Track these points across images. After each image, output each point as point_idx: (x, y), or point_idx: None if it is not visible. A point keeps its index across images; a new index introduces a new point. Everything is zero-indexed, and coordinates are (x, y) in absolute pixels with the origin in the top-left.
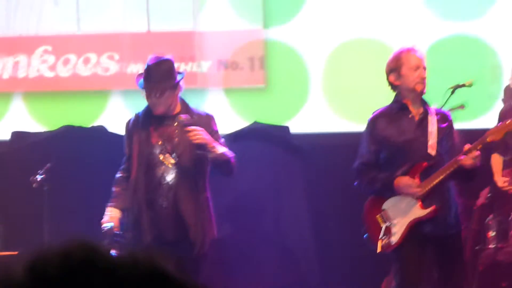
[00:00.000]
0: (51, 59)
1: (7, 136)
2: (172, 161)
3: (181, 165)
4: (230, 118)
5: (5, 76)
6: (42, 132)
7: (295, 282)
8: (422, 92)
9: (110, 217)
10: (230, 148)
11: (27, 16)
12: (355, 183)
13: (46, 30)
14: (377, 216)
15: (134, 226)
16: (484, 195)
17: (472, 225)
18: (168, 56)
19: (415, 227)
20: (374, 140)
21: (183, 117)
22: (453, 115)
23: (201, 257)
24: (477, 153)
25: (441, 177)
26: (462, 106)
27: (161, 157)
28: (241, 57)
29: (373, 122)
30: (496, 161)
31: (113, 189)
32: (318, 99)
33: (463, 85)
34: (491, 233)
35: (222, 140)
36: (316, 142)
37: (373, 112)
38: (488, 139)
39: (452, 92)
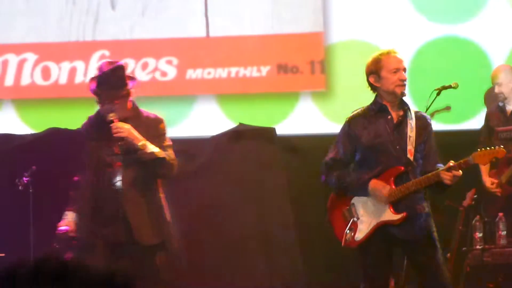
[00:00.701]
0: None
1: None
2: (120, 163)
3: (128, 166)
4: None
5: (62, 81)
6: (27, 134)
7: (280, 282)
8: (402, 94)
9: (67, 221)
10: (216, 149)
11: (83, 21)
12: (322, 178)
13: (103, 35)
14: (345, 209)
15: (86, 229)
16: (470, 196)
17: (458, 226)
18: (121, 61)
19: (381, 228)
20: (349, 140)
21: (110, 114)
22: (440, 117)
23: (157, 258)
24: (459, 173)
25: (418, 187)
26: (448, 108)
27: (109, 159)
28: (301, 61)
29: (350, 122)
30: None
31: (70, 193)
32: None
33: (449, 87)
34: (478, 234)
35: (169, 143)
36: (303, 143)
37: (352, 112)
38: (474, 161)
39: (438, 94)
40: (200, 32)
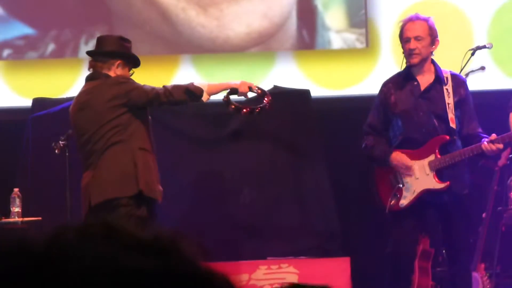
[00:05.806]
0: None
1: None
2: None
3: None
4: None
5: None
6: (63, 98)
7: (314, 245)
8: (412, 64)
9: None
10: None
11: None
12: (363, 145)
13: None
14: (391, 175)
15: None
16: (505, 156)
17: (493, 186)
18: None
19: (424, 195)
20: (381, 106)
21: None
22: (474, 78)
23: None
24: (500, 146)
25: (462, 157)
26: (482, 68)
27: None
28: None
29: (382, 89)
30: None
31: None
32: None
33: (484, 47)
34: None
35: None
36: (335, 105)
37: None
38: None
39: (472, 54)
40: None
